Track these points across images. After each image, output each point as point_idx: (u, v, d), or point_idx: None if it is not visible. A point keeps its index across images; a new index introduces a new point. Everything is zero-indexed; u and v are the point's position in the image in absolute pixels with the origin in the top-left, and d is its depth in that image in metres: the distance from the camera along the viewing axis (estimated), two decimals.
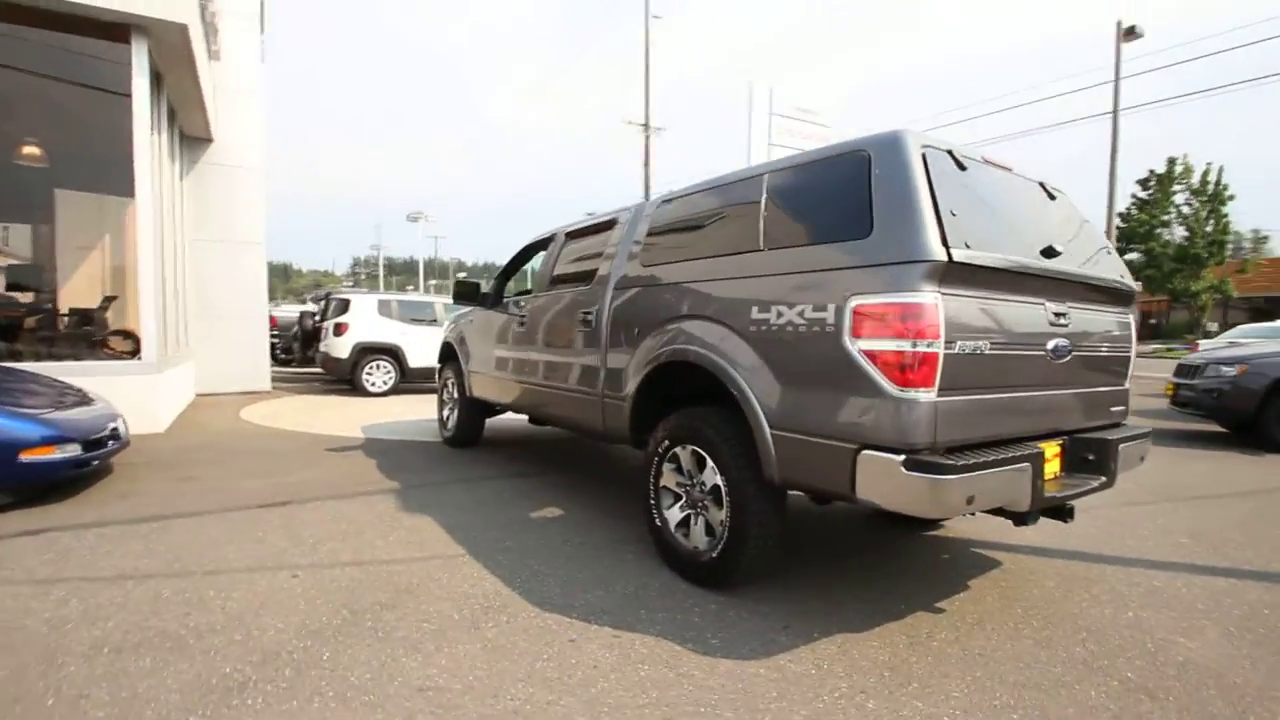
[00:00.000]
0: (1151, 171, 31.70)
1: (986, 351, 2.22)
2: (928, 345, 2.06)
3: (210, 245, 9.45)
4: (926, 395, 2.07)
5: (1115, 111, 18.02)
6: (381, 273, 64.22)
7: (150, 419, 5.61)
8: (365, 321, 10.02)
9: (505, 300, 5.07)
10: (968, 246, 2.15)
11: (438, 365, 6.43)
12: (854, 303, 2.20)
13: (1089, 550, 3.42)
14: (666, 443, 3.02)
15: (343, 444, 5.97)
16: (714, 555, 2.74)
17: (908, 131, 2.35)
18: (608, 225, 3.93)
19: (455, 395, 5.82)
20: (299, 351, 13.09)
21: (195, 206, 9.28)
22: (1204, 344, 15.50)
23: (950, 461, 2.02)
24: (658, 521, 3.08)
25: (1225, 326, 25.28)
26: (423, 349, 10.17)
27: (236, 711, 1.89)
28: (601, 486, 4.62)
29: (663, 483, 3.08)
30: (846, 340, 2.21)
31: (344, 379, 10.27)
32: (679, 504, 3.02)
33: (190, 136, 9.03)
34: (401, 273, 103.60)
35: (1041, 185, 2.92)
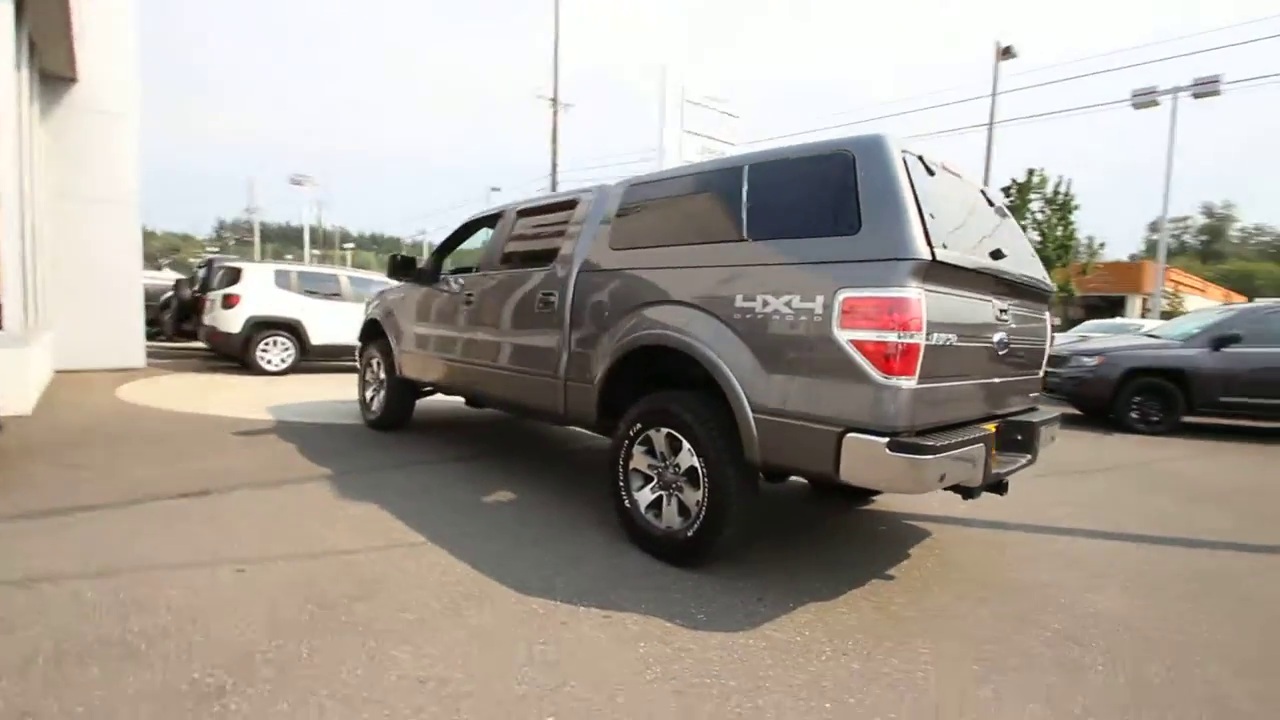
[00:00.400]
0: (1014, 180, 35.32)
1: (953, 344, 2.43)
2: (911, 337, 2.23)
3: (72, 201, 8.24)
4: (908, 383, 2.24)
5: (990, 124, 19.87)
6: (258, 239, 58.67)
7: (17, 398, 4.87)
8: (260, 293, 9.18)
9: (444, 277, 4.86)
10: (944, 247, 2.34)
11: (358, 344, 6.05)
12: (843, 295, 2.33)
13: (998, 520, 3.85)
14: (638, 426, 3.05)
15: (250, 427, 5.49)
16: (689, 534, 2.82)
17: (888, 135, 2.50)
18: (567, 204, 3.86)
19: (382, 376, 5.52)
20: (171, 325, 11.80)
21: (55, 157, 8.04)
22: (1058, 337, 17.60)
23: (929, 443, 2.21)
24: (626, 503, 3.12)
25: (1068, 322, 28.77)
26: (326, 325, 9.51)
27: (220, 718, 1.74)
28: (544, 469, 4.59)
29: (633, 465, 3.11)
30: (835, 330, 2.35)
31: (233, 356, 9.40)
32: (649, 486, 3.07)
33: (51, 75, 7.79)
34: (276, 239, 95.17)
35: (983, 192, 3.21)
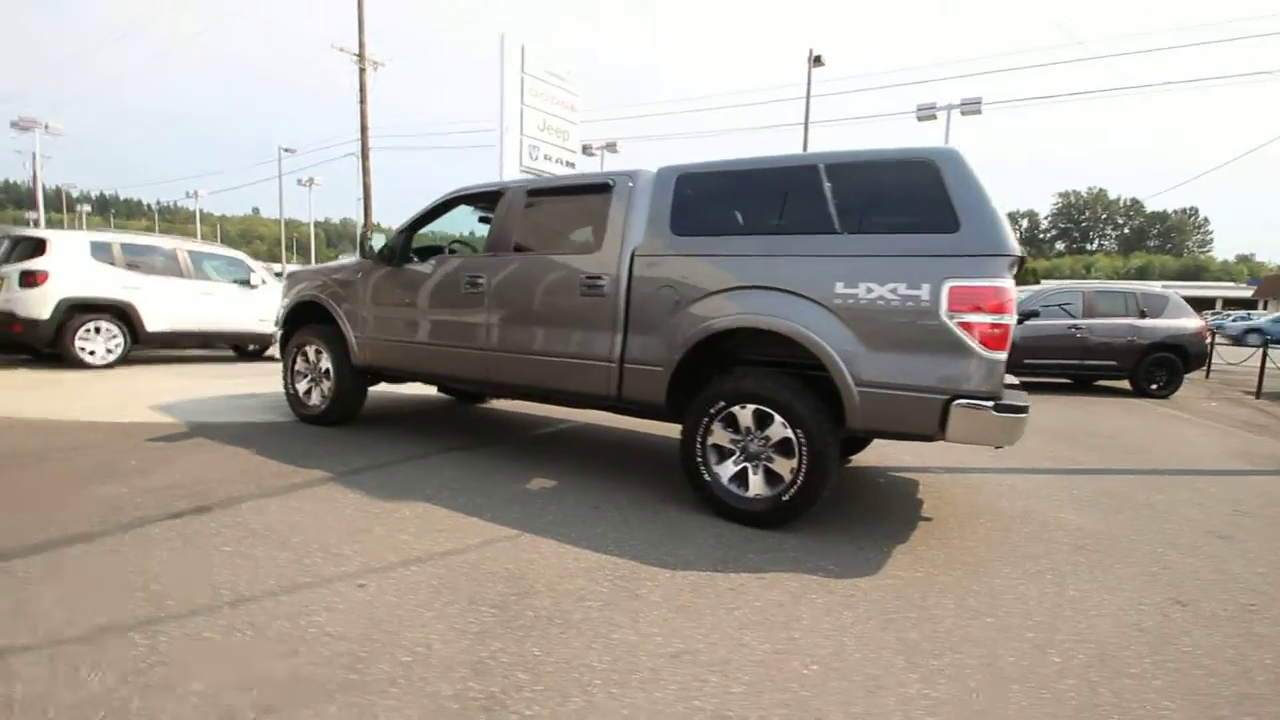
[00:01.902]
0: None
1: (1014, 323, 3.00)
2: (1007, 319, 2.74)
3: None
4: (1002, 356, 2.76)
5: (806, 123, 22.36)
6: None
7: None
8: (74, 269, 7.39)
9: (425, 258, 4.50)
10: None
11: (279, 329, 5.29)
12: (950, 284, 2.77)
13: (964, 465, 4.67)
14: (721, 404, 3.25)
15: (159, 432, 4.58)
16: (786, 499, 3.11)
17: (961, 149, 2.98)
18: (596, 188, 3.83)
19: (325, 365, 4.92)
20: None
21: None
22: None
23: (1021, 403, 2.75)
24: (706, 477, 3.31)
25: None
26: (165, 308, 7.97)
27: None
28: (550, 453, 4.53)
29: (711, 441, 3.31)
30: (943, 314, 2.78)
31: (30, 348, 7.49)
32: (731, 459, 3.30)
33: None
34: None
35: None
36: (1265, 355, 9.40)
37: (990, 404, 2.72)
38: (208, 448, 4.21)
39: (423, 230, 4.67)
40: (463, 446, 4.58)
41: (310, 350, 5.02)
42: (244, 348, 9.74)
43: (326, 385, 4.95)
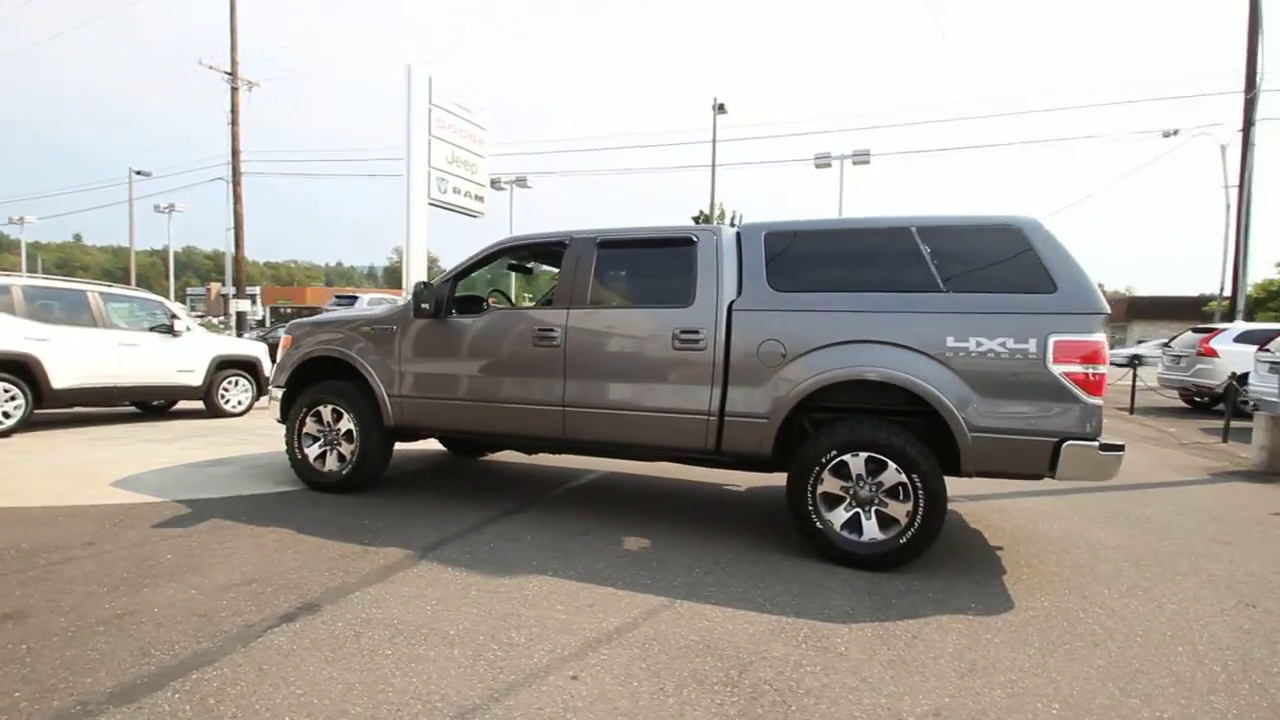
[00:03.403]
0: (701, 211, 42.04)
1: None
2: (1102, 369, 3.11)
3: None
4: (1100, 401, 3.13)
5: (713, 165, 23.58)
6: None
7: None
8: None
9: (465, 310, 4.29)
10: None
11: (283, 388, 4.77)
12: (1055, 339, 3.11)
13: (983, 493, 5.09)
14: (834, 452, 3.39)
15: (152, 516, 3.93)
16: (904, 541, 3.28)
17: (1037, 217, 3.37)
18: (677, 241, 3.89)
19: (348, 426, 4.49)
20: None
21: None
22: None
23: (1118, 442, 3.13)
24: (818, 525, 3.42)
25: None
26: (76, 362, 6.87)
27: None
28: (603, 505, 4.41)
29: (822, 490, 3.43)
30: (1049, 365, 3.11)
31: None
32: (842, 506, 3.43)
33: None
34: None
35: None
36: (1135, 375, 11.08)
37: (1096, 444, 3.07)
38: (238, 531, 3.68)
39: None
40: (516, 508, 4.35)
41: (325, 410, 4.56)
42: (149, 403, 8.56)
43: (348, 448, 4.51)
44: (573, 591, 2.98)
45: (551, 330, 3.97)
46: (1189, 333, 11.94)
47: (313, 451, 4.62)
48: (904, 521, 3.30)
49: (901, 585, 3.18)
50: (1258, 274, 27.00)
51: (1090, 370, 3.09)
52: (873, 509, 3.38)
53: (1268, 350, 8.45)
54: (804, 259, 3.70)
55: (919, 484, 3.25)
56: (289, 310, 47.19)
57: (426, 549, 3.47)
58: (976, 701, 2.17)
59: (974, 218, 3.49)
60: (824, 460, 3.40)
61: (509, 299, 5.15)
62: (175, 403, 8.77)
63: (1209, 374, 10.35)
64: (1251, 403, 8.19)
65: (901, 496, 3.30)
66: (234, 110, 23.77)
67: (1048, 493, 5.25)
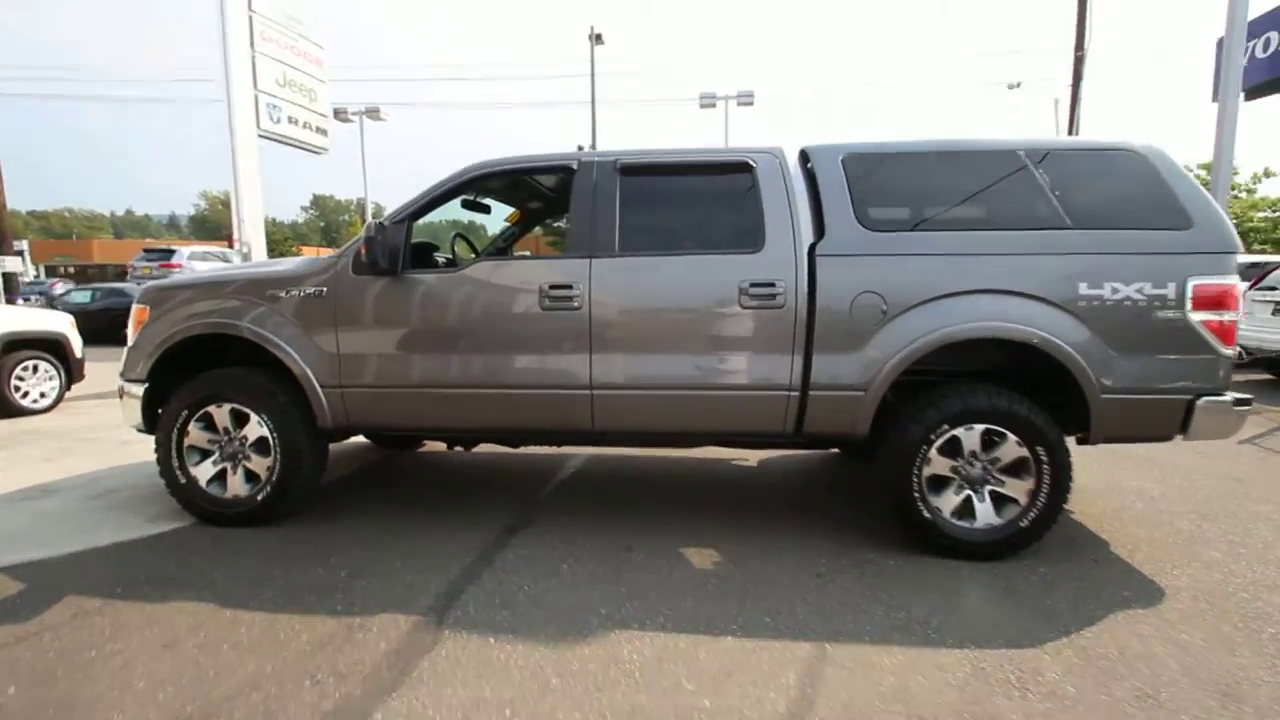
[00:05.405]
0: (580, 147, 40.22)
1: None
2: (1235, 315, 2.77)
3: None
4: (1232, 352, 2.80)
5: (593, 102, 22.09)
6: None
7: None
8: None
9: (422, 263, 3.14)
10: None
11: (143, 381, 3.29)
12: (1193, 282, 2.70)
13: None
14: (944, 427, 2.81)
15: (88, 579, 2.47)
16: (1025, 525, 2.83)
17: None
18: (733, 167, 3.01)
19: (257, 433, 3.17)
20: None
21: None
22: None
23: (1246, 395, 2.84)
24: (925, 514, 2.87)
25: None
26: None
27: None
28: (614, 505, 3.56)
29: (929, 472, 2.86)
30: (1188, 313, 2.71)
31: None
32: (951, 488, 2.89)
33: None
34: None
35: None
36: None
37: (1229, 399, 2.75)
38: (120, 620, 2.36)
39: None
40: (516, 522, 3.35)
41: (220, 412, 3.19)
42: None
43: (261, 463, 3.20)
44: (687, 653, 2.16)
45: (569, 288, 2.95)
46: None
47: (204, 471, 3.24)
48: (1024, 502, 2.83)
49: (1032, 576, 2.73)
50: None
51: (1225, 316, 2.74)
52: (986, 489, 2.88)
53: (1265, 288, 7.03)
54: (897, 190, 3.00)
55: (1044, 457, 2.78)
56: (70, 269, 38.79)
57: (438, 607, 2.44)
58: None
59: (1088, 141, 2.99)
60: (932, 437, 2.82)
61: (474, 247, 3.95)
62: None
63: None
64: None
65: (1022, 473, 2.82)
66: None
67: None
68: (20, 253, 22.34)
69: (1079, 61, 18.40)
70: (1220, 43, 11.43)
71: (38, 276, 26.22)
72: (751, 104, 20.16)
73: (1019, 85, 20.47)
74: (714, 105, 20.35)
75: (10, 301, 17.47)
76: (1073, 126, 18.48)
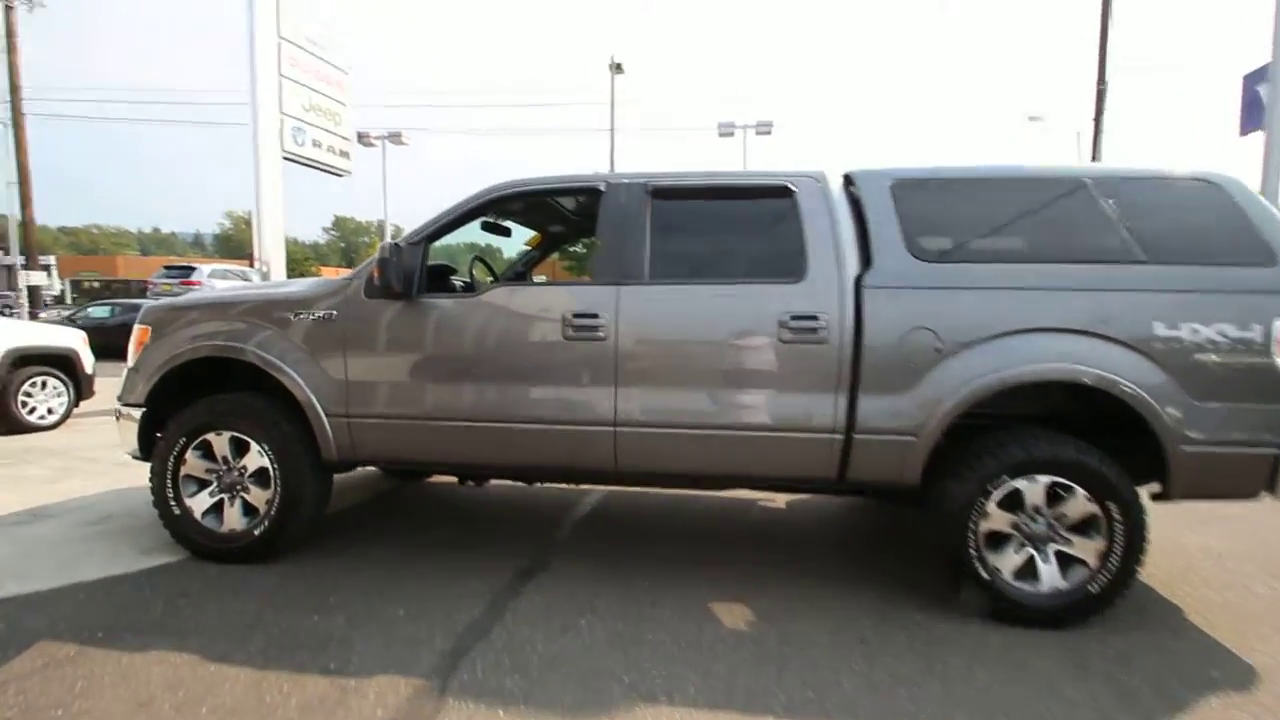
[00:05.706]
0: None
1: None
2: None
3: None
4: None
5: (612, 130, 22.29)
6: None
7: None
8: None
9: (440, 287, 2.96)
10: None
11: (141, 405, 3.12)
12: (1278, 323, 2.45)
13: None
14: (1003, 477, 2.55)
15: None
16: (1097, 589, 2.54)
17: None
18: (771, 191, 2.82)
19: (258, 464, 2.97)
20: None
21: None
22: None
23: None
24: (984, 575, 2.59)
25: None
26: None
27: None
28: (635, 549, 3.31)
29: (986, 527, 2.59)
30: (1276, 357, 2.45)
31: None
32: (1011, 546, 2.62)
33: None
34: None
35: None
36: None
37: None
38: (94, 670, 2.14)
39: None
40: (530, 564, 3.11)
41: (220, 440, 3.00)
42: None
43: (260, 496, 3.00)
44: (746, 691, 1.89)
45: (594, 317, 2.75)
46: None
47: (200, 503, 3.04)
48: (1094, 564, 2.54)
49: (1108, 650, 2.43)
50: None
51: None
52: (1051, 549, 2.60)
53: None
54: (946, 218, 2.79)
55: (1117, 515, 2.50)
56: (96, 284, 39.40)
57: (442, 668, 2.19)
58: None
59: (1159, 170, 2.75)
60: (990, 489, 2.56)
61: (492, 271, 3.78)
62: None
63: None
64: None
65: (1092, 532, 2.55)
66: (10, 34, 18.89)
67: None
68: (47, 267, 22.68)
69: (1100, 95, 18.33)
70: (1247, 78, 11.43)
71: (61, 293, 26.60)
72: (770, 133, 20.19)
73: (1041, 119, 20.36)
74: (732, 134, 20.39)
75: (33, 315, 17.65)
76: (1095, 159, 18.32)
